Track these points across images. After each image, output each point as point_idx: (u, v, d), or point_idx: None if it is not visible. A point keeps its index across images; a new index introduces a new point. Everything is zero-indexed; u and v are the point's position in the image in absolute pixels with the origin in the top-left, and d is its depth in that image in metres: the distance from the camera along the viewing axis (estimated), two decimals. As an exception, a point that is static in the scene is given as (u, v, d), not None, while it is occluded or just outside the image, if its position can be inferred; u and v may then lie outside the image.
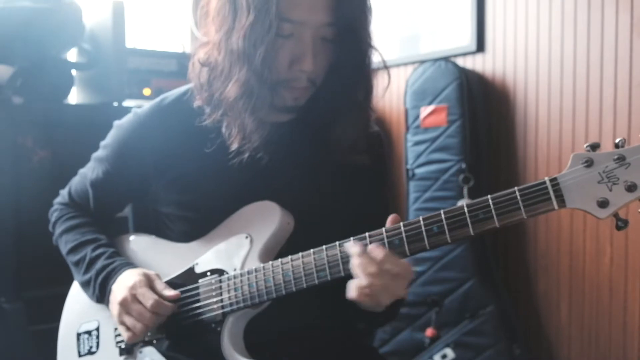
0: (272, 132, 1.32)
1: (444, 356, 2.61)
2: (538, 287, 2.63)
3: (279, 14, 1.20)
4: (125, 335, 1.35)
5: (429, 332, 2.63)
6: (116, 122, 1.50)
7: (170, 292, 1.33)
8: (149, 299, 1.30)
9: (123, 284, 1.35)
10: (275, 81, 1.26)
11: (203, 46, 1.35)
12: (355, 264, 1.14)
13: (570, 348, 2.53)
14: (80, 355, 1.48)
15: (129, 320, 1.33)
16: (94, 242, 1.49)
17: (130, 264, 1.42)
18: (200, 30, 1.38)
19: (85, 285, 1.46)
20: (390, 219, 1.19)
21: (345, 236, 1.20)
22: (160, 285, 1.35)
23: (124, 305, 1.32)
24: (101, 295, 1.41)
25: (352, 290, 1.15)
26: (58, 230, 1.56)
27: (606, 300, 2.39)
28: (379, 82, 1.38)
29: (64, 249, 1.53)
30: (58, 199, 1.64)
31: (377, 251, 1.13)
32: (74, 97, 2.74)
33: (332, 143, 1.36)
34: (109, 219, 1.62)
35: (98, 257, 1.45)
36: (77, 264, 1.48)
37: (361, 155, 1.39)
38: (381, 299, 1.15)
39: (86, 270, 1.45)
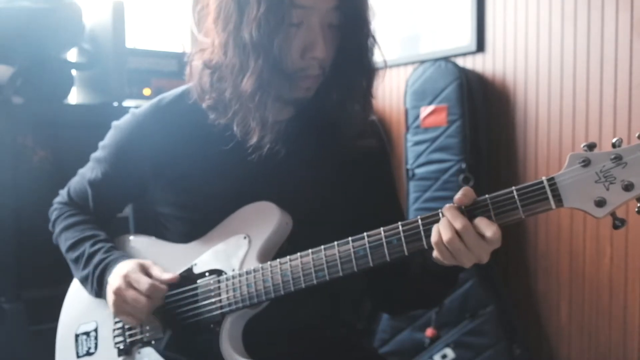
0: (283, 127, 1.33)
1: (444, 356, 2.61)
2: (538, 287, 2.63)
3: (290, 1, 1.21)
4: (126, 321, 1.37)
5: (429, 332, 2.63)
6: (114, 123, 1.50)
7: (167, 275, 1.34)
8: (143, 283, 1.31)
9: (117, 274, 1.35)
10: (289, 71, 1.27)
11: (204, 51, 1.34)
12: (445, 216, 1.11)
13: (570, 348, 2.53)
14: (78, 356, 1.48)
15: (126, 307, 1.33)
16: (92, 237, 1.49)
17: (126, 256, 1.43)
18: (199, 35, 1.37)
19: (84, 281, 1.47)
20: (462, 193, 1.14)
21: (349, 234, 1.20)
22: (156, 270, 1.36)
23: (118, 293, 1.33)
24: (99, 289, 1.41)
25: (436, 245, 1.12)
26: (57, 228, 1.57)
27: (606, 300, 2.39)
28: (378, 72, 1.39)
29: (63, 246, 1.53)
30: (58, 199, 1.64)
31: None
32: (74, 97, 2.74)
33: (339, 131, 1.37)
34: (108, 219, 1.62)
35: (96, 252, 1.45)
36: (76, 260, 1.48)
37: (367, 140, 1.41)
38: (463, 259, 1.12)
39: (85, 266, 1.45)
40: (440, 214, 1.13)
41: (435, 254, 1.13)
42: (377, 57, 1.37)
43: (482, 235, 1.09)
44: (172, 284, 1.36)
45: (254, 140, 1.29)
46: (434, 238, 1.11)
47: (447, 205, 1.12)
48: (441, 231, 1.10)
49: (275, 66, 1.24)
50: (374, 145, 1.44)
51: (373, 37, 1.34)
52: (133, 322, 1.37)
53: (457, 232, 1.09)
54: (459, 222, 1.09)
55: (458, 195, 1.12)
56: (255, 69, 1.24)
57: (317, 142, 1.39)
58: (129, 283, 1.32)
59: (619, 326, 2.36)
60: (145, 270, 1.36)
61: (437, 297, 1.44)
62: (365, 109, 1.39)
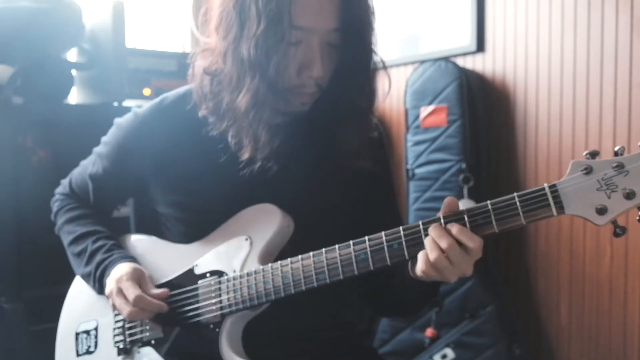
0: (283, 132, 1.32)
1: (444, 356, 2.61)
2: (538, 287, 2.63)
3: (290, 22, 1.20)
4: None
5: (429, 332, 2.63)
6: (117, 120, 1.51)
7: (157, 290, 1.34)
8: (131, 293, 1.31)
9: (113, 277, 1.36)
10: (284, 88, 1.26)
11: (205, 53, 1.34)
12: (430, 235, 1.13)
13: (570, 348, 2.53)
14: (78, 355, 1.48)
15: (117, 309, 1.35)
16: (94, 234, 1.50)
17: (126, 257, 1.43)
18: (202, 36, 1.37)
19: (86, 277, 1.48)
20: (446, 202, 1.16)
21: (350, 238, 1.20)
22: (146, 283, 1.36)
23: (111, 296, 1.35)
24: (100, 288, 1.43)
25: (422, 263, 1.14)
26: (60, 221, 1.58)
27: (606, 300, 2.39)
28: (380, 87, 1.38)
29: (65, 240, 1.54)
30: (59, 189, 1.65)
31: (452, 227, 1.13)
32: (74, 97, 2.74)
33: (334, 147, 1.36)
34: (109, 211, 1.64)
35: (98, 250, 1.46)
36: (78, 255, 1.49)
37: (363, 160, 1.39)
38: (449, 275, 1.15)
39: (87, 263, 1.46)
40: (423, 232, 1.14)
41: (420, 272, 1.15)
42: (379, 66, 1.36)
43: (465, 248, 1.11)
44: (173, 286, 1.37)
45: (245, 156, 1.30)
46: (421, 259, 1.13)
47: (433, 225, 1.13)
48: (428, 252, 1.13)
49: (271, 85, 1.23)
50: (373, 163, 1.43)
51: (374, 53, 1.34)
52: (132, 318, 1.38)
53: (442, 251, 1.11)
54: (444, 242, 1.11)
55: (443, 208, 1.14)
56: (250, 86, 1.24)
57: (317, 149, 1.39)
58: (119, 289, 1.33)
59: (619, 326, 2.36)
60: (138, 278, 1.35)
61: (415, 308, 1.46)
62: (364, 126, 1.38)
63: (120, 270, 1.36)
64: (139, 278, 1.35)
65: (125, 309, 1.32)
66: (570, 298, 2.52)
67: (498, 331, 2.54)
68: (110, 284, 1.35)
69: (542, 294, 2.62)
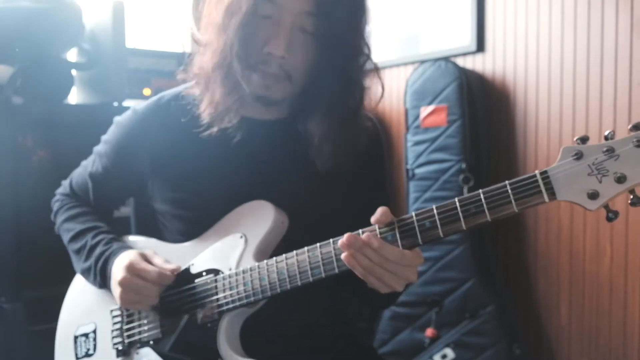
0: (261, 129, 1.34)
1: (444, 356, 2.60)
2: (538, 287, 2.63)
3: None
4: (135, 308, 1.39)
5: (429, 332, 2.63)
6: (116, 119, 1.52)
7: (170, 266, 1.35)
8: (150, 272, 1.32)
9: (120, 265, 1.35)
10: (250, 62, 1.28)
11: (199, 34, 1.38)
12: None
13: (570, 348, 2.52)
14: (77, 358, 1.48)
15: (135, 296, 1.34)
16: (93, 229, 1.50)
17: (126, 247, 1.43)
18: (204, 20, 1.39)
19: (86, 272, 1.47)
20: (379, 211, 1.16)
21: (341, 233, 1.20)
22: (158, 260, 1.37)
23: (124, 284, 1.33)
24: (102, 281, 1.42)
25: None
26: (59, 219, 1.58)
27: (606, 300, 2.39)
28: (373, 90, 1.37)
29: (65, 237, 1.55)
30: (60, 190, 1.66)
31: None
32: (74, 97, 2.75)
33: (312, 147, 1.35)
34: (109, 211, 1.64)
35: (97, 244, 1.46)
36: (78, 251, 1.49)
37: (355, 160, 1.37)
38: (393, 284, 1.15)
39: (86, 258, 1.46)
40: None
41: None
42: (372, 70, 1.36)
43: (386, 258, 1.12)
44: (170, 285, 1.37)
45: (206, 118, 1.33)
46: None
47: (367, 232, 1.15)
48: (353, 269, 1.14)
49: (236, 51, 1.26)
50: (368, 163, 1.43)
51: (362, 54, 1.32)
52: (143, 308, 1.38)
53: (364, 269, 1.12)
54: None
55: (376, 216, 1.15)
56: (217, 47, 1.28)
57: (305, 146, 1.38)
58: (134, 273, 1.32)
59: (619, 326, 2.36)
60: (147, 259, 1.37)
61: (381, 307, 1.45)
62: (346, 126, 1.35)
63: (126, 257, 1.36)
64: (146, 259, 1.37)
65: (148, 287, 1.32)
66: (570, 298, 2.51)
67: (498, 331, 2.54)
68: (119, 272, 1.34)
69: (542, 294, 2.61)
